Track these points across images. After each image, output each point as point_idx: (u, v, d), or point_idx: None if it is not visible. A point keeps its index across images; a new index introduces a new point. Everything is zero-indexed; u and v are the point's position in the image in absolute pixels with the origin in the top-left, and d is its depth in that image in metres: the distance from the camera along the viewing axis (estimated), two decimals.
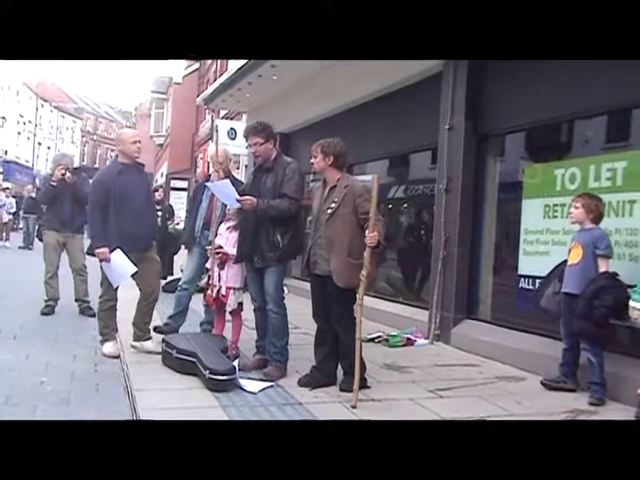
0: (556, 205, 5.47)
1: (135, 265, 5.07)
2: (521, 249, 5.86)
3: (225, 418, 3.69)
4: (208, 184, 5.19)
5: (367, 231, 4.08)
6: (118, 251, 5.02)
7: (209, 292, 5.24)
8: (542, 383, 4.76)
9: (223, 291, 5.16)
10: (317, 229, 4.50)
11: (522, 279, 5.82)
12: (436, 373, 5.17)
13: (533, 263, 5.66)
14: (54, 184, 7.17)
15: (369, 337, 6.24)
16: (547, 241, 5.53)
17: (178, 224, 10.22)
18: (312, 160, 4.52)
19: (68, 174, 7.20)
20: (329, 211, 4.40)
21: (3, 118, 40.82)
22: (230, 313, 5.28)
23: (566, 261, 4.81)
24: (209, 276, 5.27)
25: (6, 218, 19.41)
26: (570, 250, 4.71)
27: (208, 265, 5.32)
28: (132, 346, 5.34)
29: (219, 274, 5.17)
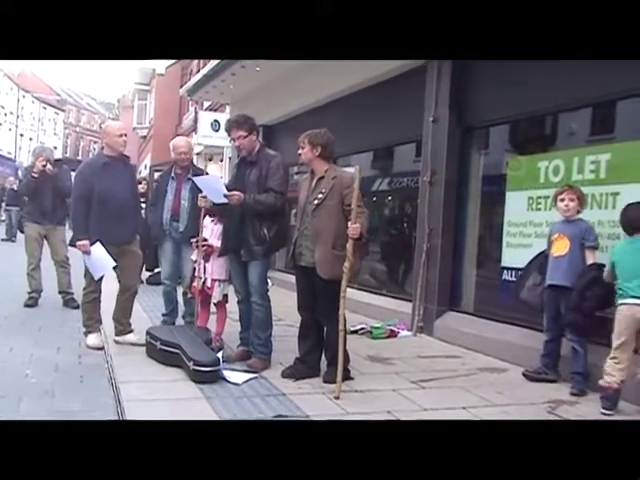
0: (539, 197, 5.51)
1: (114, 259, 5.06)
2: (504, 241, 5.90)
3: (209, 409, 3.69)
4: (195, 178, 5.14)
5: (349, 223, 4.09)
6: (98, 244, 5.01)
7: (194, 284, 5.23)
8: (524, 374, 4.80)
9: (208, 283, 5.16)
10: (303, 220, 4.50)
11: (505, 271, 5.87)
12: (419, 364, 5.20)
13: (516, 255, 5.69)
14: (35, 176, 7.10)
15: (352, 329, 6.25)
16: (530, 233, 5.57)
17: None
18: (299, 151, 4.51)
19: (49, 166, 7.14)
20: (316, 202, 4.39)
21: None
22: (215, 305, 5.28)
23: (543, 252, 4.85)
24: (194, 268, 5.26)
25: None
26: (552, 242, 4.73)
27: (194, 257, 5.30)
28: (115, 341, 5.32)
29: (204, 266, 5.16)
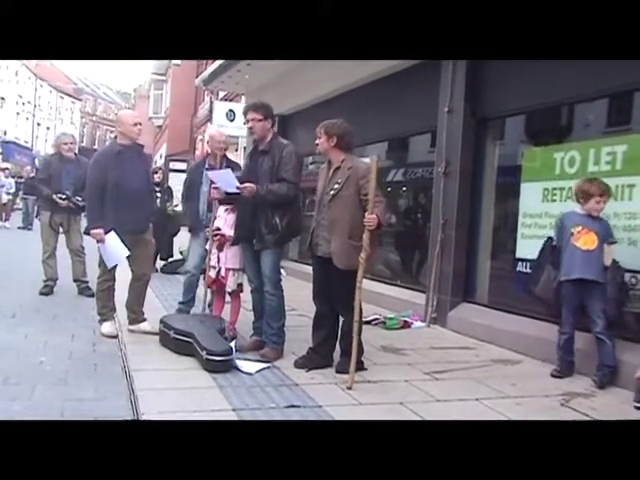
0: (555, 189, 5.46)
1: (128, 248, 5.08)
2: (519, 232, 5.86)
3: (222, 398, 3.71)
4: (209, 173, 5.18)
5: (366, 213, 4.08)
6: (112, 233, 5.03)
7: (209, 274, 5.24)
8: (553, 375, 4.63)
9: (222, 272, 5.17)
10: (320, 211, 4.49)
11: (520, 263, 5.83)
12: (432, 356, 5.19)
13: (531, 247, 5.63)
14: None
15: (366, 320, 6.24)
16: (545, 225, 5.52)
17: (177, 206, 10.20)
18: (316, 141, 4.51)
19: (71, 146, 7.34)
20: (332, 192, 4.38)
21: (2, 98, 40.58)
22: (229, 294, 5.29)
23: (549, 243, 4.85)
24: (209, 258, 5.27)
25: (5, 199, 19.40)
26: (574, 234, 4.58)
27: (207, 247, 5.32)
28: (129, 330, 5.35)
29: (218, 256, 5.18)
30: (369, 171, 4.16)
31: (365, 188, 4.19)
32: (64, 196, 7.13)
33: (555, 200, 5.45)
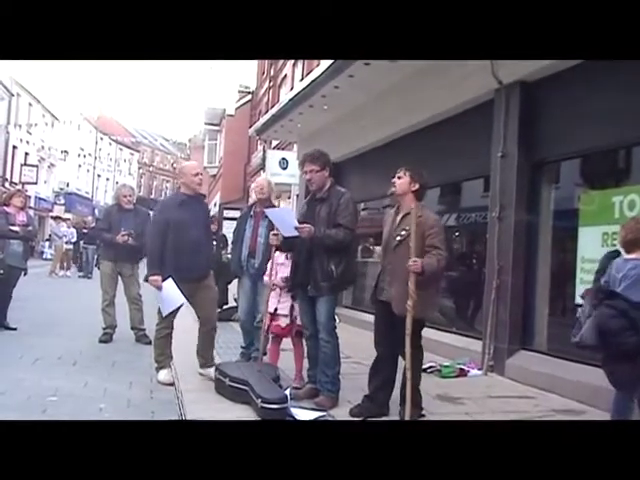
0: (615, 233, 5.32)
1: (191, 295, 5.17)
2: (578, 278, 5.72)
3: None
4: (267, 210, 5.28)
5: (410, 260, 4.06)
6: (170, 280, 5.15)
7: (276, 323, 5.23)
8: None
9: (299, 321, 5.15)
10: (386, 256, 4.51)
11: (580, 308, 5.66)
12: (490, 405, 5.06)
13: None
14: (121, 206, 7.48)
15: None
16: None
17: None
18: (394, 180, 4.51)
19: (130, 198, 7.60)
20: (398, 238, 4.39)
21: (65, 152, 42.36)
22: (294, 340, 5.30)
23: None
24: (275, 308, 5.24)
25: (65, 248, 20.05)
26: None
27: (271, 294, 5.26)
28: (199, 373, 5.43)
29: (292, 305, 5.19)
30: (437, 223, 4.26)
31: (431, 238, 4.22)
32: (125, 232, 7.34)
33: (615, 244, 5.30)
